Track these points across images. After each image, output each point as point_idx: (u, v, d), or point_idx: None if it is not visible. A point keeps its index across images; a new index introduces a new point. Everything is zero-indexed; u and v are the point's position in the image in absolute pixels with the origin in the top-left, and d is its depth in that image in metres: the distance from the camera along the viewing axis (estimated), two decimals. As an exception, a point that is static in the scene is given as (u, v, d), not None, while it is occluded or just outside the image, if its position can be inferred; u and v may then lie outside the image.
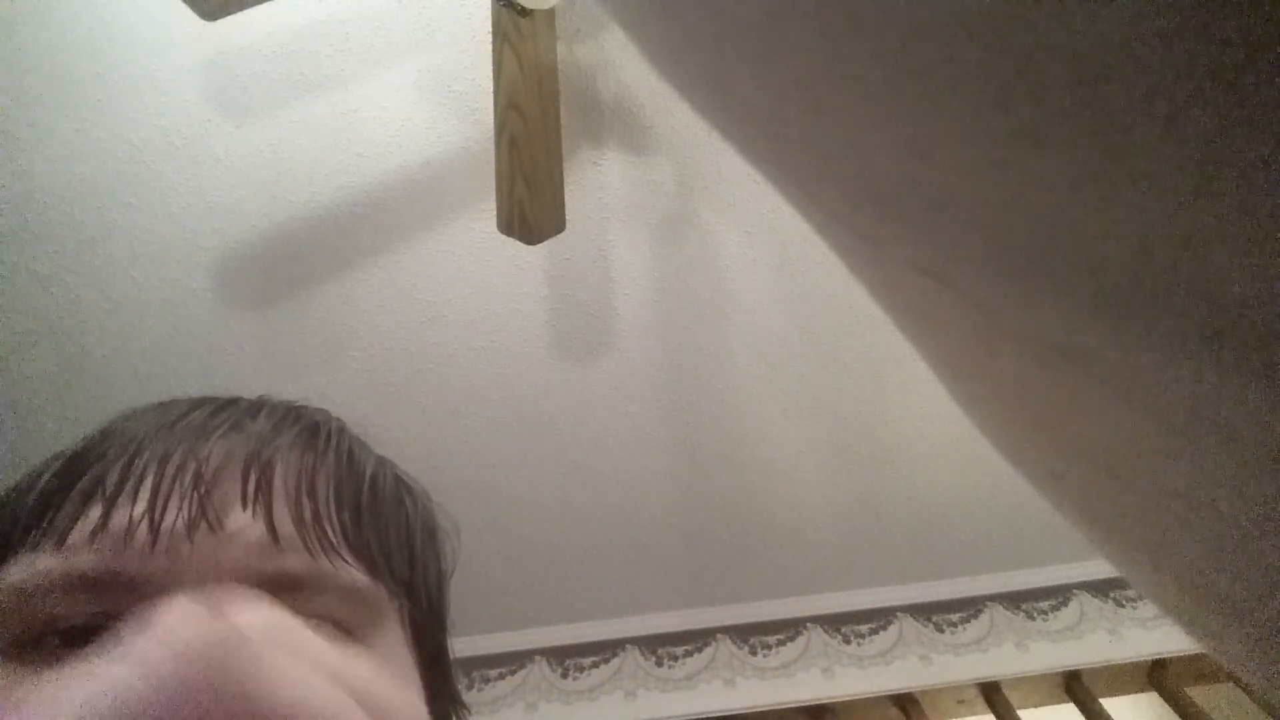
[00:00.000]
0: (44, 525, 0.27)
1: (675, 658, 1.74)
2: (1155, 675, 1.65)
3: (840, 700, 1.66)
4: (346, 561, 0.30)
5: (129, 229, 1.18)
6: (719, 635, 1.77)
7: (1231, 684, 1.56)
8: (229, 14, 0.82)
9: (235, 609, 0.23)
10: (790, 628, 1.78)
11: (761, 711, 1.65)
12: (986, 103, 0.07)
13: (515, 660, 1.74)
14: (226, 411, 0.33)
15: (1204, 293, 0.07)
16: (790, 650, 1.74)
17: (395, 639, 0.31)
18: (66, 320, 1.25)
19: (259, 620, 0.23)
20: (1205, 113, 0.06)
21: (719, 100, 0.12)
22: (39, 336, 1.26)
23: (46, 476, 0.29)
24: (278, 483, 0.30)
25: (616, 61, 1.11)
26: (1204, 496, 0.10)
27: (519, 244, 1.06)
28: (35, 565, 0.26)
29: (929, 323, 0.12)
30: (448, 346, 1.35)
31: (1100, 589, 1.79)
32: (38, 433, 1.34)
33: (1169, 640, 1.66)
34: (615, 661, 1.73)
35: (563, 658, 1.74)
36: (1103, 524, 0.13)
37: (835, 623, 1.78)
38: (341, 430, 0.36)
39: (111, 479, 0.28)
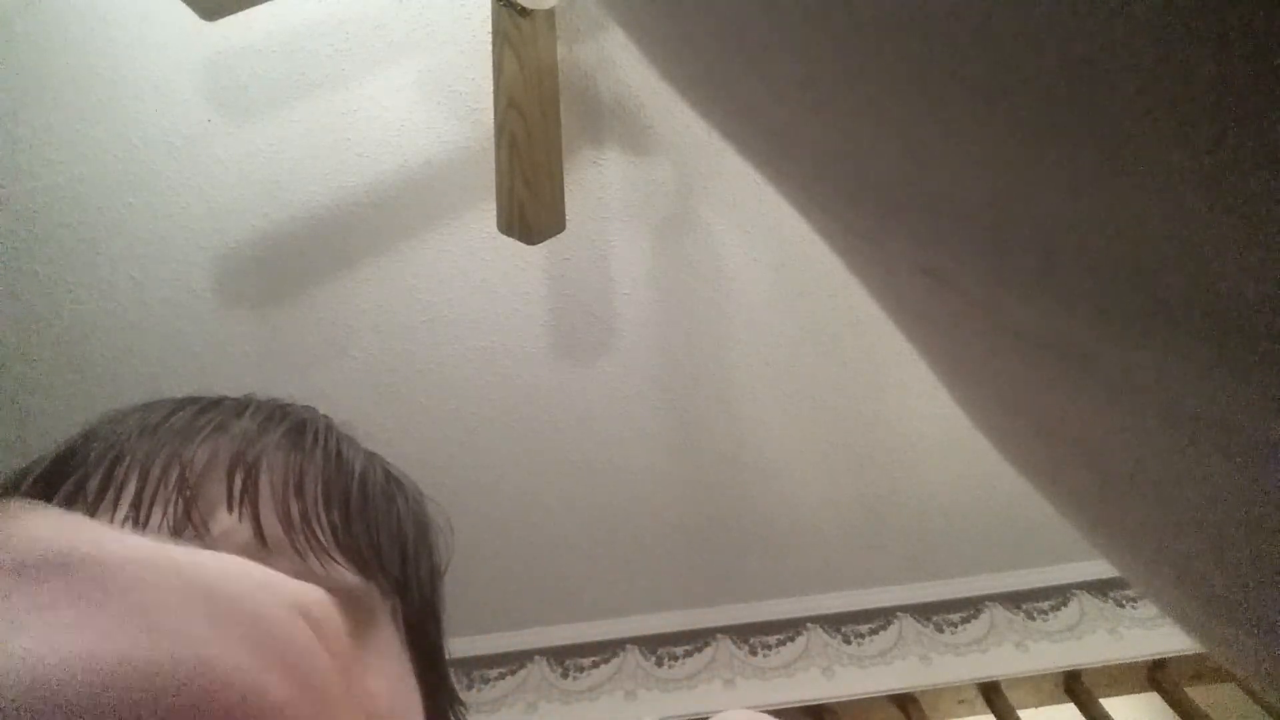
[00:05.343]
0: None
1: (675, 658, 1.74)
2: (1155, 675, 1.65)
3: (840, 700, 1.65)
4: (336, 562, 0.29)
5: (129, 229, 1.18)
6: (719, 635, 1.77)
7: (1231, 684, 1.55)
8: (229, 14, 0.82)
9: None
10: (790, 628, 1.78)
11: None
12: (987, 102, 0.07)
13: (515, 660, 1.73)
14: (211, 412, 0.32)
15: (1205, 293, 0.07)
16: (790, 650, 1.74)
17: (390, 638, 0.30)
18: (66, 320, 1.25)
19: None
20: (1206, 113, 0.06)
21: (719, 100, 0.12)
22: (39, 336, 1.26)
23: (28, 481, 0.28)
24: (264, 484, 0.29)
25: (616, 61, 1.10)
26: (1204, 497, 0.10)
27: (519, 244, 1.06)
28: None
29: (929, 323, 0.12)
30: (448, 346, 1.35)
31: (1100, 589, 1.79)
32: (38, 434, 1.34)
33: (1169, 640, 1.66)
34: (615, 661, 1.73)
35: (563, 658, 1.74)
36: (1103, 524, 0.13)
37: (835, 623, 1.78)
38: (329, 427, 0.35)
39: (93, 484, 0.27)
